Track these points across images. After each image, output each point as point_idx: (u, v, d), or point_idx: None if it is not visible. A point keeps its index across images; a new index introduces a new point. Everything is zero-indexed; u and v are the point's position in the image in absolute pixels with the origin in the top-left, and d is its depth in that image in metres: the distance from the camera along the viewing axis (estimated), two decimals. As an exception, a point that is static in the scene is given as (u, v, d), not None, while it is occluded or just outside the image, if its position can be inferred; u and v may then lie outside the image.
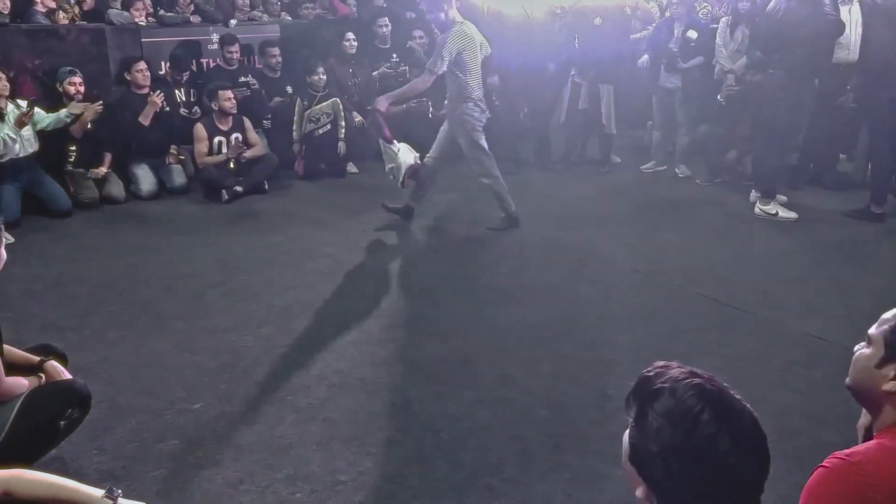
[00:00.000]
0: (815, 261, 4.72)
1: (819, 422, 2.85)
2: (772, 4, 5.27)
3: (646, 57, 6.63)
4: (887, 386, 1.38)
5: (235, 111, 6.13)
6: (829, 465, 1.34)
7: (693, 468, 1.03)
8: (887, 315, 1.42)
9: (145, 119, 6.01)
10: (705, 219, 5.56)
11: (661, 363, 1.14)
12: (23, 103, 5.39)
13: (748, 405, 1.10)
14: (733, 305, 3.98)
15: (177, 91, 6.49)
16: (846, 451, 1.36)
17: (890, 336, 1.38)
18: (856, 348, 1.48)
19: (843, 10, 5.49)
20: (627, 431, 1.14)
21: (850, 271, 4.52)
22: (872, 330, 1.44)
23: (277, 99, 6.85)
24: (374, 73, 7.30)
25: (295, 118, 6.64)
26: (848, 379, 1.48)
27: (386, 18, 7.44)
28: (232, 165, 6.05)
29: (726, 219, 5.55)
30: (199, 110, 6.39)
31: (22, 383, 2.41)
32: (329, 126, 6.69)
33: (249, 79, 6.72)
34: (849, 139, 6.38)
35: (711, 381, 1.09)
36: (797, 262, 4.68)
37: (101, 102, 5.80)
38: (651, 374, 1.12)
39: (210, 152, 6.11)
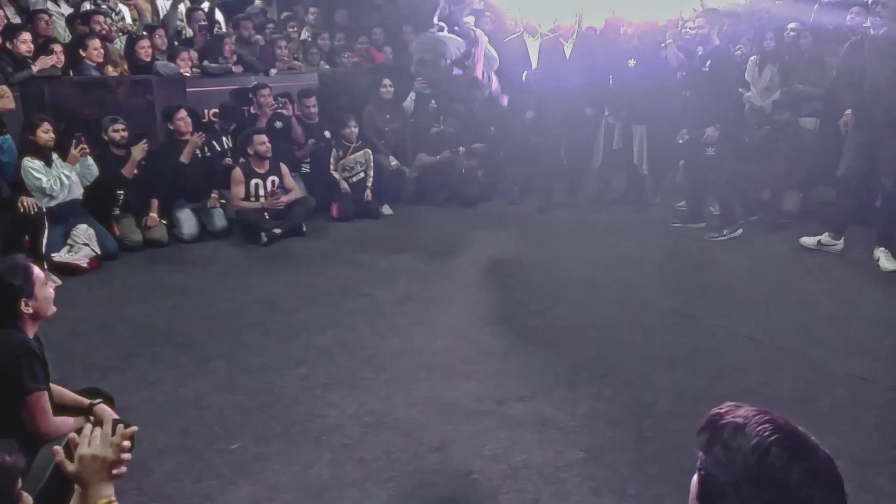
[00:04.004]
0: (857, 299, 4.61)
1: (867, 465, 2.75)
2: None
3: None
4: None
5: (270, 155, 6.30)
6: None
7: (766, 498, 1.03)
8: None
9: (185, 157, 6.21)
10: (742, 257, 5.49)
11: (732, 403, 1.16)
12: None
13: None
14: (775, 345, 3.91)
15: (223, 139, 6.70)
16: None
17: None
18: None
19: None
20: (696, 473, 1.14)
21: (894, 309, 4.39)
22: None
23: (312, 141, 7.00)
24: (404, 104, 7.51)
25: (331, 165, 6.85)
26: None
27: None
28: (266, 216, 6.18)
29: (763, 257, 5.47)
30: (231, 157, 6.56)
31: (68, 423, 2.47)
32: (362, 174, 6.94)
33: (281, 118, 6.93)
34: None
35: (783, 418, 1.11)
36: (839, 300, 4.57)
37: (146, 140, 6.05)
38: (723, 410, 1.14)
39: (247, 195, 6.25)
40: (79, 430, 1.67)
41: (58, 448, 1.61)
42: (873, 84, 5.14)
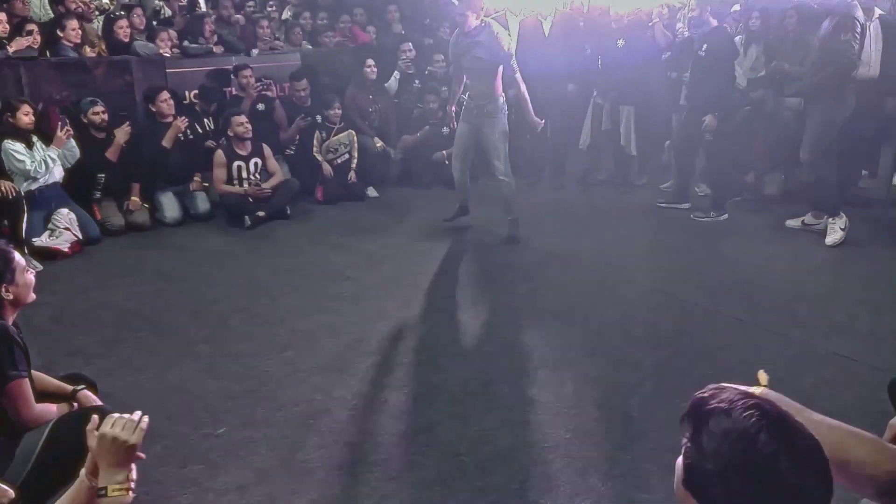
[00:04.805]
0: (840, 279, 4.66)
1: (849, 443, 2.79)
2: None
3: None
4: None
5: (250, 136, 6.22)
6: None
7: (753, 487, 1.01)
8: None
9: (168, 142, 6.14)
10: (726, 237, 5.52)
11: (714, 385, 1.14)
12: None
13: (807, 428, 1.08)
14: (758, 325, 3.94)
15: (205, 120, 6.61)
16: None
17: None
18: None
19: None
20: (681, 455, 1.13)
21: (876, 289, 4.44)
22: None
23: (300, 118, 6.90)
24: (386, 84, 7.45)
25: (314, 147, 6.78)
26: None
27: (410, 44, 7.57)
28: (251, 200, 6.12)
29: (748, 237, 5.51)
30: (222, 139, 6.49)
31: (51, 410, 2.45)
32: (346, 156, 6.88)
33: (264, 100, 6.85)
34: (871, 155, 6.31)
35: (768, 402, 1.08)
36: (822, 281, 4.62)
37: (128, 123, 5.96)
38: (706, 394, 1.12)
39: (229, 178, 6.18)
40: (87, 419, 1.74)
41: (95, 417, 1.70)
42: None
